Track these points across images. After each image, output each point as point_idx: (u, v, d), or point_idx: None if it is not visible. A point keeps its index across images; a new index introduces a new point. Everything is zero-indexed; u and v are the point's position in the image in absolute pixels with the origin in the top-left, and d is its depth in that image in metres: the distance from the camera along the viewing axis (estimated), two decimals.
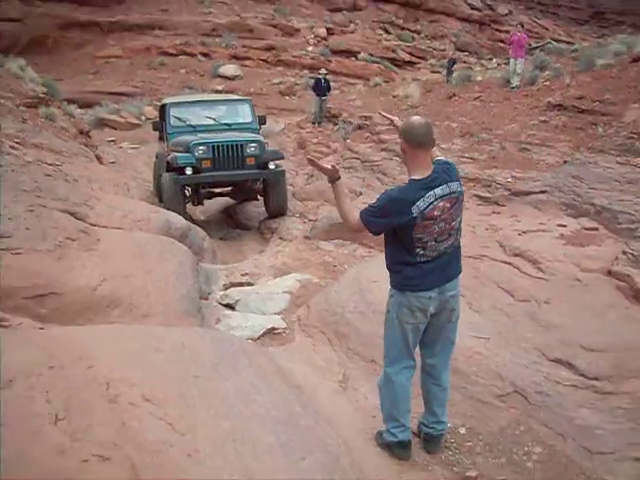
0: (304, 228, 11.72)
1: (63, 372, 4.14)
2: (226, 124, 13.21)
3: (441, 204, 4.09)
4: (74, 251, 6.76)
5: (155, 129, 14.14)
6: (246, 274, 9.28)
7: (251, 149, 11.99)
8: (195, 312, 7.05)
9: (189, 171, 11.65)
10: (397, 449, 4.64)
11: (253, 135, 12.83)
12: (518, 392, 5.22)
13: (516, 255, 7.34)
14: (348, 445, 4.66)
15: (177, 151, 12.09)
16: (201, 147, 11.74)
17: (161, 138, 14.21)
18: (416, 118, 4.20)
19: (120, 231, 8.13)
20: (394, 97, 18.31)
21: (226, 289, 8.66)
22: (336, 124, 17.59)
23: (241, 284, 8.68)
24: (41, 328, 5.48)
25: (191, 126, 12.99)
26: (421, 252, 4.18)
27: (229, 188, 13.66)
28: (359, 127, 16.00)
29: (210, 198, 13.46)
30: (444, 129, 13.22)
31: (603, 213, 8.14)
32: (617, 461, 4.58)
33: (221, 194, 13.66)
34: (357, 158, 13.76)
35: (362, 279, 7.43)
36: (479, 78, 18.04)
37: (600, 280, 6.60)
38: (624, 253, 6.89)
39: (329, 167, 4.40)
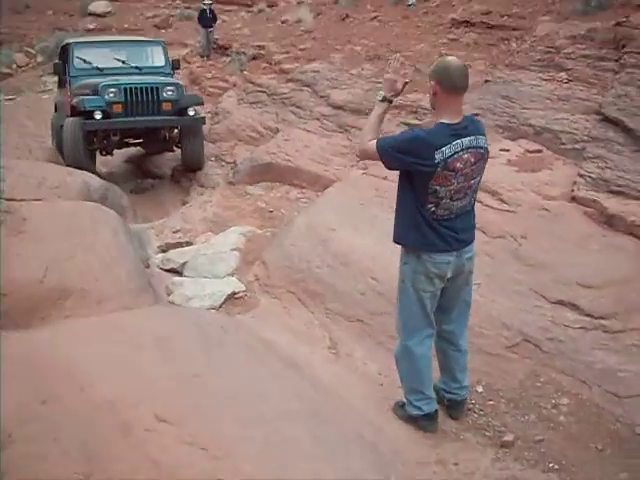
0: (224, 173, 11.23)
1: (61, 405, 3.65)
2: (137, 67, 12.12)
3: (465, 156, 3.77)
4: (5, 238, 6.15)
5: (56, 72, 12.69)
6: (178, 231, 8.79)
7: (168, 93, 11.01)
8: (147, 287, 6.58)
9: (98, 115, 10.49)
10: (424, 422, 4.37)
11: (170, 78, 12.03)
12: (528, 340, 5.07)
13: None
14: (374, 425, 4.38)
15: (83, 94, 10.93)
16: (112, 89, 10.65)
17: (61, 84, 13.01)
18: (452, 59, 3.86)
19: (41, 203, 7.47)
20: (283, 23, 17.54)
21: (163, 251, 8.15)
22: (227, 55, 16.78)
23: (180, 244, 8.16)
24: None
25: (98, 69, 11.78)
26: (432, 209, 3.85)
27: (141, 138, 12.36)
28: (254, 57, 15.29)
29: (120, 148, 12.16)
30: (348, 53, 12.75)
31: (543, 134, 8.03)
32: None
33: (134, 143, 12.38)
34: (262, 91, 13.13)
35: (318, 227, 7.09)
36: None
37: (566, 207, 6.51)
38: (581, 176, 6.81)
39: (403, 83, 4.06)
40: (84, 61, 11.88)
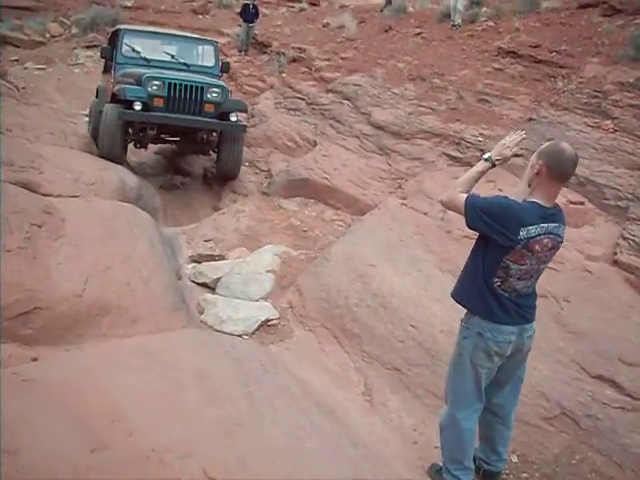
0: (258, 181, 11.21)
1: (111, 455, 3.65)
2: (185, 64, 11.85)
3: (545, 240, 3.79)
4: (44, 242, 6.26)
5: (103, 57, 12.42)
6: (209, 240, 8.78)
7: (212, 94, 10.67)
8: (181, 304, 6.67)
9: (138, 106, 10.16)
10: None
11: (216, 80, 11.60)
12: (566, 414, 5.08)
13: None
14: None
15: (127, 82, 10.64)
16: (155, 82, 10.31)
17: (106, 70, 12.68)
18: (567, 146, 3.79)
19: (79, 202, 7.57)
20: (325, 26, 17.42)
21: (194, 261, 8.15)
22: (266, 53, 16.67)
23: (212, 257, 8.15)
24: (34, 359, 4.96)
25: (145, 59, 11.53)
26: (497, 283, 3.87)
27: (178, 136, 11.82)
28: (294, 60, 15.19)
29: (156, 143, 11.83)
30: (390, 69, 12.67)
31: (587, 185, 7.98)
32: None
33: (169, 141, 11.97)
34: (301, 98, 13.07)
35: (356, 260, 7.09)
36: (410, 9, 17.34)
37: (609, 272, 6.49)
38: (624, 239, 6.77)
39: (513, 153, 4.10)
40: (133, 49, 11.63)
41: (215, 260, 8.10)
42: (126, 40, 11.72)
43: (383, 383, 5.68)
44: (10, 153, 7.66)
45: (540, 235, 3.74)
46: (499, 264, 3.80)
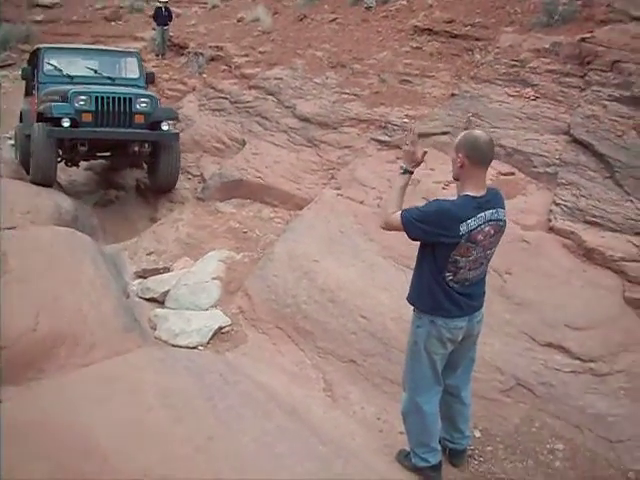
0: (191, 186, 11.16)
1: None
2: (109, 77, 11.80)
3: (487, 228, 3.92)
4: None
5: (24, 78, 12.33)
6: (152, 253, 8.78)
7: (141, 105, 10.60)
8: (133, 323, 6.64)
9: (66, 123, 10.00)
10: (430, 472, 4.50)
11: (144, 92, 11.49)
12: (521, 385, 5.25)
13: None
14: (383, 478, 4.51)
15: (52, 100, 10.48)
16: (82, 97, 10.21)
17: (28, 93, 12.61)
18: (480, 133, 4.01)
19: (17, 233, 7.46)
20: (239, 21, 17.30)
21: (140, 277, 8.13)
22: (183, 55, 16.55)
23: (157, 270, 8.16)
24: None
25: (68, 77, 11.42)
26: (450, 277, 4.00)
27: (109, 150, 11.66)
28: (212, 59, 15.11)
29: (87, 160, 11.80)
30: (309, 59, 12.69)
31: (515, 155, 8.14)
32: (638, 447, 4.73)
33: (101, 156, 11.86)
34: (224, 98, 13.01)
35: (299, 257, 7.16)
36: None
37: (546, 239, 6.64)
38: (556, 205, 6.93)
39: (422, 152, 4.14)
40: (55, 68, 11.53)
41: (160, 273, 8.10)
42: (47, 59, 11.60)
43: (341, 376, 5.78)
44: None
45: (480, 225, 3.86)
46: (447, 260, 3.91)
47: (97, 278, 6.92)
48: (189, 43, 16.71)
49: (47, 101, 10.56)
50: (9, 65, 20.09)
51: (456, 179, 4.07)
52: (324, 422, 5.15)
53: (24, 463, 3.73)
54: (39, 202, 8.69)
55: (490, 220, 3.92)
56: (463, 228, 3.80)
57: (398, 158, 8.96)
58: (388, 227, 4.17)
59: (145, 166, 11.80)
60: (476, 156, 3.85)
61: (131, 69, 12.35)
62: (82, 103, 10.16)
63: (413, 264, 5.53)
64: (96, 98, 10.24)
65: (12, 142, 13.37)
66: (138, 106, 10.52)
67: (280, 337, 6.40)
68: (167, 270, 8.18)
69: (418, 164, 4.16)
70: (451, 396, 4.53)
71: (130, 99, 10.47)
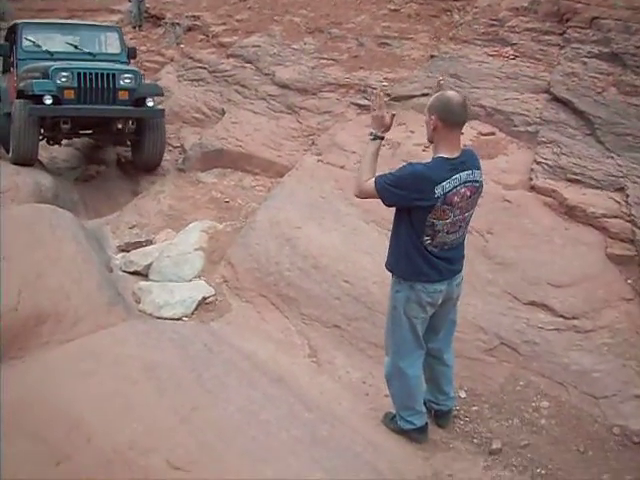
0: (172, 158, 11.06)
1: (75, 465, 3.70)
2: (90, 53, 11.37)
3: (463, 190, 3.87)
4: None
5: (1, 55, 11.94)
6: (134, 226, 8.72)
7: (125, 81, 10.19)
8: (117, 297, 6.59)
9: (49, 100, 9.59)
10: (417, 434, 4.54)
11: (128, 67, 11.13)
12: (505, 344, 5.27)
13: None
14: (370, 442, 4.53)
15: (33, 77, 10.09)
16: (64, 73, 9.78)
17: (5, 70, 12.17)
18: (452, 94, 3.93)
19: None
20: None
21: (123, 251, 8.09)
22: (160, 26, 16.36)
23: (140, 243, 8.11)
24: None
25: (48, 52, 10.99)
26: (428, 241, 3.95)
27: (92, 128, 11.21)
28: (189, 29, 14.91)
29: (70, 138, 11.39)
30: (287, 25, 12.58)
31: (495, 115, 8.11)
32: (622, 403, 4.76)
33: (84, 134, 11.40)
34: (203, 67, 12.88)
35: (281, 225, 7.13)
36: None
37: (527, 198, 6.63)
38: (538, 163, 6.91)
39: (390, 116, 4.08)
40: (33, 43, 11.12)
41: (143, 246, 8.04)
42: (25, 34, 11.20)
43: (326, 342, 5.78)
44: None
45: (455, 187, 3.81)
46: (425, 223, 3.87)
47: (79, 254, 6.86)
48: (166, 14, 16.49)
49: (27, 78, 10.23)
50: None
51: (430, 141, 4.03)
52: (310, 388, 5.16)
53: (8, 441, 3.72)
54: (19, 180, 8.61)
55: (466, 182, 3.88)
56: (438, 191, 3.75)
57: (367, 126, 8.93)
58: (362, 195, 4.14)
59: (129, 144, 11.43)
60: (449, 117, 3.79)
61: (112, 44, 11.96)
62: (64, 80, 9.79)
63: None
64: (78, 74, 9.88)
65: None
66: (122, 82, 10.17)
67: (264, 305, 6.39)
68: (150, 243, 8.13)
69: (388, 128, 4.11)
70: (434, 359, 4.53)
71: (114, 75, 10.10)
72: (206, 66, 12.92)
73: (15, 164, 9.75)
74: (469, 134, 7.98)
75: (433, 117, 3.82)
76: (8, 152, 10.41)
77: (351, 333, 5.74)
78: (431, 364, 4.55)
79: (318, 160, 8.33)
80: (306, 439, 4.25)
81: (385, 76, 9.80)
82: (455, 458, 4.50)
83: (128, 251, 8.01)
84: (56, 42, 11.39)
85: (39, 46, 11.07)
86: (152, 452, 3.84)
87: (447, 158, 3.82)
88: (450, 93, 3.96)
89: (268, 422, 4.32)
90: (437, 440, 4.64)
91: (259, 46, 12.18)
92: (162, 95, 11.28)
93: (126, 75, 10.24)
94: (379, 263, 5.74)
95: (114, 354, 5.00)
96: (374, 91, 4.22)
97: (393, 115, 4.09)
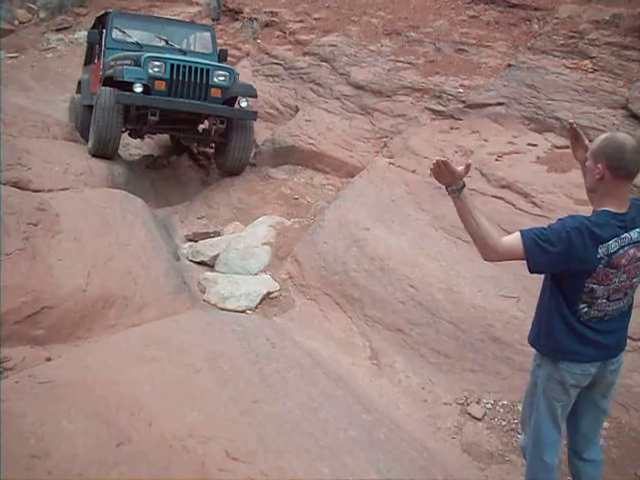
0: None
1: (135, 447, 3.74)
2: (180, 50, 10.84)
3: (631, 251, 3.22)
4: (42, 240, 6.26)
5: (89, 42, 11.46)
6: (203, 217, 8.85)
7: (219, 78, 9.52)
8: (183, 286, 6.75)
9: (139, 88, 8.93)
10: None
11: (222, 64, 10.51)
12: None
13: (503, 187, 7.17)
14: (426, 449, 4.53)
15: (123, 64, 9.44)
16: (157, 63, 9.15)
17: (88, 61, 11.81)
18: (625, 137, 3.17)
19: (70, 194, 7.58)
20: None
21: (190, 240, 8.23)
22: (238, 20, 16.49)
23: (208, 234, 8.24)
24: (48, 359, 5.06)
25: (137, 44, 10.55)
26: (584, 310, 3.28)
27: (179, 124, 10.43)
28: (267, 25, 15.03)
29: (154, 132, 10.78)
30: (364, 26, 12.60)
31: None
32: None
33: (169, 129, 10.66)
34: (278, 64, 12.96)
35: (350, 225, 7.17)
36: None
37: None
38: None
39: (466, 166, 3.28)
40: (123, 33, 10.72)
41: (211, 237, 8.20)
42: (116, 24, 10.81)
43: (388, 345, 5.81)
44: None
45: (622, 248, 3.19)
46: (582, 290, 3.23)
47: (148, 240, 7.02)
48: (244, 8, 16.58)
49: (116, 65, 9.63)
50: (65, 28, 20.22)
51: (591, 191, 3.35)
52: (369, 390, 5.20)
53: (66, 420, 3.80)
54: (92, 164, 8.78)
55: (636, 242, 3.22)
56: (602, 251, 3.13)
57: (452, 128, 8.91)
58: (499, 257, 3.32)
59: (213, 146, 10.87)
60: (621, 167, 3.11)
61: (204, 44, 11.51)
62: (156, 70, 9.13)
63: (466, 236, 5.43)
64: (171, 65, 9.21)
65: (68, 105, 13.41)
66: (216, 79, 9.50)
67: (328, 304, 6.44)
68: (217, 234, 8.28)
69: (462, 177, 3.25)
70: (575, 454, 3.74)
71: (208, 70, 9.45)
72: (282, 62, 12.98)
73: (94, 156, 9.35)
74: (543, 146, 7.94)
75: (600, 166, 3.13)
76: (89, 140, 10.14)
77: (413, 338, 5.75)
78: (573, 461, 3.77)
79: (389, 163, 8.35)
80: (363, 440, 4.27)
81: (461, 82, 9.76)
82: (510, 471, 4.49)
83: (196, 241, 8.17)
84: (146, 35, 10.97)
85: (129, 37, 10.72)
86: (211, 441, 3.89)
87: (615, 213, 3.17)
88: (621, 136, 3.21)
89: (326, 421, 4.35)
90: (493, 452, 4.64)
91: (336, 45, 12.20)
92: (256, 97, 10.35)
93: (221, 72, 9.63)
94: (446, 270, 5.78)
95: (178, 342, 5.08)
96: (436, 158, 3.23)
97: (468, 165, 3.31)
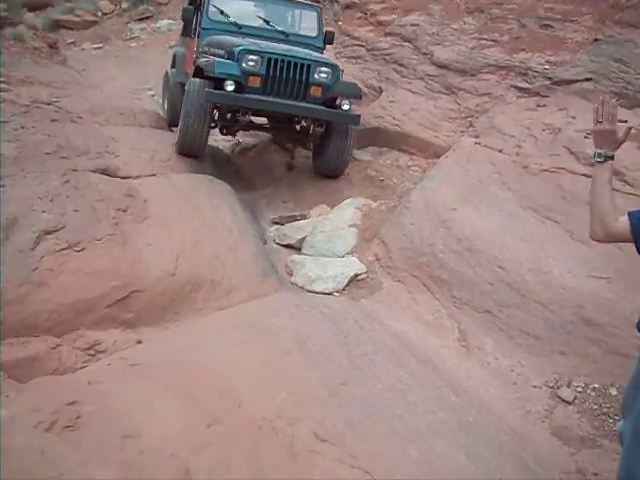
0: None
1: (225, 428, 3.80)
2: (282, 32, 9.72)
3: None
4: (131, 225, 6.37)
5: (184, 19, 10.47)
6: (288, 200, 8.89)
7: (321, 75, 8.41)
8: (270, 269, 6.80)
9: (230, 86, 8.04)
10: None
11: (324, 56, 9.42)
12: None
13: (593, 165, 6.92)
14: (516, 432, 4.46)
15: (215, 54, 8.71)
16: (252, 57, 8.16)
17: (186, 32, 10.86)
18: None
19: (157, 180, 7.69)
20: None
21: (276, 223, 8.28)
22: (317, 2, 16.42)
23: (294, 217, 8.30)
24: (139, 342, 5.17)
25: (236, 25, 9.55)
26: None
27: (273, 123, 9.76)
28: (348, 6, 14.93)
29: (246, 130, 9.87)
30: (446, 4, 12.36)
31: None
32: None
33: (263, 127, 9.84)
34: (361, 45, 12.87)
35: (437, 206, 7.11)
36: None
37: None
38: None
39: (626, 130, 3.11)
40: (221, 12, 9.66)
41: (297, 220, 8.26)
42: (213, 1, 9.74)
43: (476, 327, 5.75)
44: (85, 140, 7.82)
45: None
46: None
47: (235, 224, 7.10)
48: None
49: (208, 54, 8.94)
50: (147, 18, 20.56)
51: None
52: (458, 372, 5.17)
53: (156, 401, 3.87)
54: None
55: None
56: None
57: (539, 105, 8.71)
58: (607, 238, 3.20)
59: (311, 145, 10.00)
60: None
61: (309, 25, 10.35)
62: (251, 64, 8.18)
63: (555, 216, 5.32)
64: (268, 60, 8.21)
65: (152, 93, 13.56)
66: (317, 76, 8.42)
67: (415, 285, 6.41)
68: (304, 217, 8.33)
69: (619, 145, 3.16)
70: None
71: (309, 66, 8.36)
72: (364, 44, 12.87)
73: (180, 154, 8.75)
74: (633, 122, 7.58)
75: None
76: (174, 124, 10.19)
77: (502, 320, 5.68)
78: None
79: (476, 143, 8.23)
80: (452, 423, 4.26)
81: (547, 59, 9.53)
82: (601, 457, 4.43)
83: (282, 224, 8.23)
84: (245, 14, 9.89)
85: (227, 16, 9.66)
86: (300, 423, 3.94)
87: None
88: None
89: (415, 403, 4.35)
90: (584, 437, 4.57)
91: (418, 25, 12.04)
92: (360, 98, 9.25)
93: (323, 68, 8.48)
94: (535, 250, 5.67)
95: (266, 324, 5.14)
96: (600, 98, 3.19)
97: (629, 129, 3.15)
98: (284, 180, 9.82)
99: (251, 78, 8.19)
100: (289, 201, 8.92)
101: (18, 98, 8.87)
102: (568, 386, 5.04)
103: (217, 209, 7.27)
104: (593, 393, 4.96)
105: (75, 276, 5.41)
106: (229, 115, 8.86)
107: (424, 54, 11.25)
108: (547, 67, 9.38)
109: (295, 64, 8.30)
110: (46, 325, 5.10)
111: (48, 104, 9.21)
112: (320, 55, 9.29)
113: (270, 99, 8.25)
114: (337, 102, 8.73)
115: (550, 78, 9.12)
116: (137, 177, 7.58)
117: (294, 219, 8.28)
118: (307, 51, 9.03)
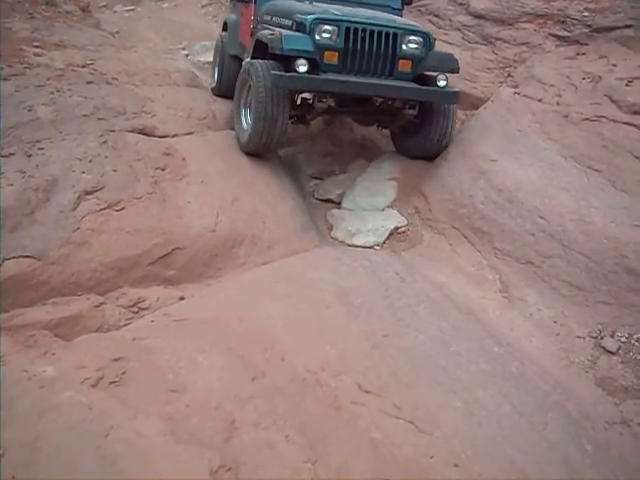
0: None
1: (269, 382, 3.83)
2: None
3: None
4: (170, 183, 6.37)
5: None
6: (327, 155, 8.83)
7: (410, 45, 6.91)
8: (310, 224, 6.80)
9: (303, 67, 6.50)
10: None
11: (412, 22, 7.61)
12: None
13: (635, 113, 6.78)
14: (559, 383, 4.43)
15: (280, 25, 7.18)
16: (328, 27, 6.61)
17: None
18: None
19: (195, 138, 7.66)
20: None
21: (315, 178, 8.25)
22: None
23: (333, 172, 8.28)
24: (181, 298, 5.19)
25: None
26: None
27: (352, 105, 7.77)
28: None
29: (323, 115, 8.23)
30: None
31: None
32: None
33: (345, 111, 8.03)
34: None
35: (476, 157, 7.01)
36: None
37: None
38: None
39: None
40: None
41: (336, 175, 8.21)
42: None
43: (518, 278, 5.69)
44: (121, 101, 7.81)
45: None
46: None
47: (273, 179, 7.10)
48: None
49: (271, 24, 7.43)
50: None
51: None
52: (500, 323, 5.14)
53: (201, 356, 3.90)
54: (215, 108, 8.83)
55: None
56: None
57: (578, 54, 8.54)
58: None
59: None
60: None
61: None
62: (326, 36, 6.64)
63: (596, 165, 5.23)
64: (346, 30, 6.65)
65: (185, 53, 13.43)
66: (405, 46, 6.89)
67: (456, 237, 6.37)
68: (343, 172, 8.28)
69: None
70: None
71: (395, 35, 6.80)
72: None
73: (249, 153, 7.42)
74: None
75: None
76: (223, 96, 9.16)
77: (545, 270, 5.62)
78: None
79: (515, 93, 8.08)
80: (495, 373, 4.25)
81: (585, 6, 9.28)
82: None
83: (321, 179, 8.17)
84: None
85: None
86: (344, 375, 3.96)
87: None
88: None
89: (458, 354, 4.34)
90: (628, 387, 4.53)
91: None
92: (458, 72, 7.51)
93: (413, 37, 6.94)
94: (577, 200, 5.60)
95: (308, 278, 5.15)
96: None
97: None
98: (322, 135, 9.75)
99: (327, 54, 6.68)
100: (328, 155, 8.86)
101: (52, 62, 8.86)
102: (612, 336, 4.98)
103: (255, 165, 7.25)
104: (637, 343, 4.90)
105: (116, 235, 5.45)
106: (302, 102, 7.38)
107: (460, 4, 11.04)
108: (586, 14, 9.15)
109: (379, 33, 6.75)
110: (89, 284, 5.16)
111: (83, 67, 9.19)
112: (406, 21, 7.60)
113: (353, 79, 6.71)
114: (432, 77, 7.23)
115: (589, 25, 8.89)
116: (174, 136, 7.57)
117: (333, 174, 8.26)
118: (390, 16, 7.41)
